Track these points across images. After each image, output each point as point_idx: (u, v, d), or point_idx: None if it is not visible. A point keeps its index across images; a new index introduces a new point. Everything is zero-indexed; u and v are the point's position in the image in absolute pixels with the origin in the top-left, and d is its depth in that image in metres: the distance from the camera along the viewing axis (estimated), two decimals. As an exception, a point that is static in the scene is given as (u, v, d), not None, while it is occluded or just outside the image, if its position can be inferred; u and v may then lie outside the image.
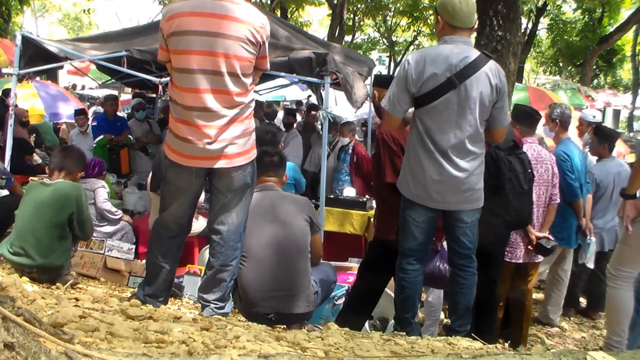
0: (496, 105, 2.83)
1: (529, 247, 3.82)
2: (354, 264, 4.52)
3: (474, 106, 2.75)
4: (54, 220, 3.24)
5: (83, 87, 17.24)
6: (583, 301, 5.32)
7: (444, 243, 3.27)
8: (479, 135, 2.83)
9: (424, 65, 2.74)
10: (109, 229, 4.91)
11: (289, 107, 10.17)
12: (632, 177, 3.33)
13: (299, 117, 9.25)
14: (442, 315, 4.24)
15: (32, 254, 3.15)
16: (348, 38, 21.60)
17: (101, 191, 4.93)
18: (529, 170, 3.40)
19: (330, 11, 18.17)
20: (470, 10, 2.80)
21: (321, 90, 4.71)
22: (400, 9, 20.42)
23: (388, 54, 26.39)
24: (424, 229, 2.91)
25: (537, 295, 5.32)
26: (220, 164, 2.70)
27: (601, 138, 4.78)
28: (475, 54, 2.79)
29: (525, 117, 3.99)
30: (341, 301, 3.85)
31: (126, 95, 15.57)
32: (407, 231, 2.93)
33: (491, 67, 2.79)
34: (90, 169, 4.99)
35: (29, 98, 8.97)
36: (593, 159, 5.12)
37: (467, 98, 2.73)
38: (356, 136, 6.50)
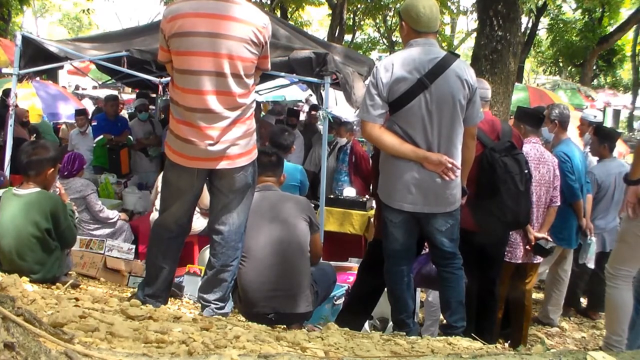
0: (469, 102, 2.86)
1: (528, 247, 3.82)
2: (354, 264, 4.52)
3: (448, 104, 2.77)
4: (33, 237, 3.08)
5: (95, 88, 16.92)
6: (583, 301, 5.32)
7: None
8: (457, 135, 2.85)
9: (393, 70, 2.77)
10: (106, 230, 4.87)
11: (291, 107, 10.15)
12: (634, 163, 3.30)
13: (302, 117, 9.26)
14: (442, 316, 4.24)
15: (23, 273, 3.01)
16: (348, 38, 21.59)
17: (93, 199, 4.75)
18: (526, 171, 3.39)
19: (330, 11, 18.17)
20: (434, 14, 2.84)
21: (321, 90, 4.71)
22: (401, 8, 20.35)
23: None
24: (404, 229, 2.91)
25: (537, 295, 5.32)
26: (222, 164, 2.70)
27: (601, 138, 4.78)
28: (441, 53, 2.83)
29: (528, 117, 4.00)
30: (341, 301, 3.85)
31: (127, 95, 15.55)
32: (387, 233, 2.95)
33: (459, 65, 2.82)
34: (70, 165, 4.78)
35: (28, 98, 8.98)
36: (594, 159, 5.11)
37: (439, 97, 2.75)
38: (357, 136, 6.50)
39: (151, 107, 8.00)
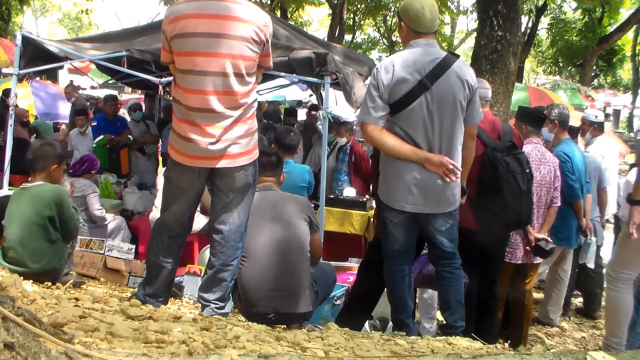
0: (469, 102, 2.86)
1: (528, 248, 3.82)
2: (354, 264, 4.52)
3: (449, 105, 2.77)
4: (36, 225, 3.16)
5: (94, 87, 16.77)
6: (580, 301, 5.33)
7: None
8: (458, 136, 2.85)
9: (394, 72, 2.76)
10: (101, 231, 4.86)
11: (290, 107, 10.15)
12: (637, 182, 3.32)
13: (301, 117, 9.25)
14: (441, 316, 4.25)
15: (25, 262, 3.12)
16: (348, 38, 21.58)
17: (93, 199, 4.79)
18: (527, 171, 3.39)
19: (330, 11, 18.17)
20: (433, 15, 2.83)
21: (321, 90, 4.71)
22: (401, 8, 20.34)
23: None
24: (404, 229, 2.91)
25: (537, 295, 5.32)
26: (223, 163, 2.70)
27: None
28: (441, 54, 2.82)
29: (529, 117, 4.00)
30: (341, 301, 3.85)
31: (127, 95, 15.55)
32: (387, 233, 2.95)
33: (459, 65, 2.82)
34: (79, 164, 4.89)
35: (28, 97, 8.98)
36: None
37: (440, 98, 2.75)
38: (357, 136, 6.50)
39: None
